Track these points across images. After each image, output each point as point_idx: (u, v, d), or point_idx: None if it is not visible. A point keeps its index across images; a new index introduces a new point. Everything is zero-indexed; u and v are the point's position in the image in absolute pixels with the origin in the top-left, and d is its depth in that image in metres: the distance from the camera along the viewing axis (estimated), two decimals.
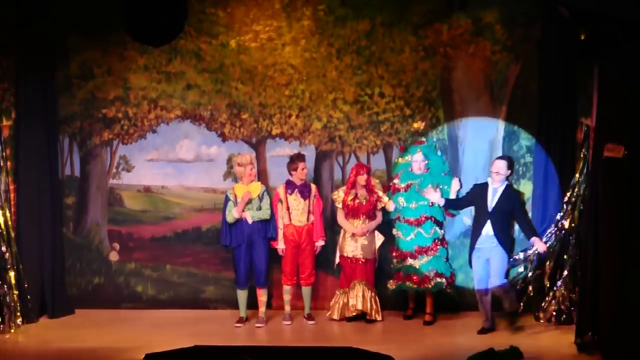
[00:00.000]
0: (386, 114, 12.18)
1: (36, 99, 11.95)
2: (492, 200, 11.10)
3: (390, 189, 11.83)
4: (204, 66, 12.38)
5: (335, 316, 11.80)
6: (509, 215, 11.15)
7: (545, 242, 11.14)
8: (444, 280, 11.53)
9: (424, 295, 11.68)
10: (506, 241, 11.13)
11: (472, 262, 11.23)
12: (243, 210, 11.51)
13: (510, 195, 11.12)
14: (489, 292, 11.11)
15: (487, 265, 11.13)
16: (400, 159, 11.82)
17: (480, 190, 11.24)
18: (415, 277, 11.56)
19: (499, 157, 11.28)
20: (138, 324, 11.76)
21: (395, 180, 11.77)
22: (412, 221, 11.62)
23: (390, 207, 11.69)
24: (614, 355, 9.38)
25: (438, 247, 11.57)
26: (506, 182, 11.17)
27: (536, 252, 11.06)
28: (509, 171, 11.19)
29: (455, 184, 11.54)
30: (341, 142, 12.28)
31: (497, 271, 11.06)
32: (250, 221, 11.54)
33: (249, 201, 11.51)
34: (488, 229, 11.06)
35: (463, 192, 11.59)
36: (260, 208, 11.58)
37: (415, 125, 11.87)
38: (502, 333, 10.99)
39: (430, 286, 11.53)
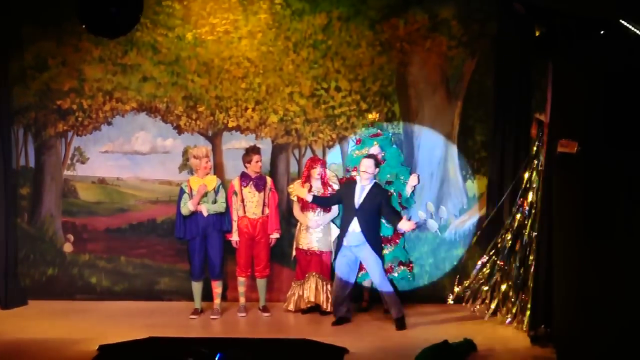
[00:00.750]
0: (342, 108, 12.24)
1: None
2: (359, 198, 11.14)
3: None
4: (160, 58, 12.37)
5: (291, 307, 11.84)
6: (376, 212, 11.18)
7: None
8: (407, 268, 11.61)
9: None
10: (374, 240, 11.16)
11: (337, 260, 11.27)
12: (198, 203, 11.51)
13: (377, 192, 11.19)
14: (348, 288, 11.24)
15: (352, 265, 11.21)
16: (357, 152, 11.84)
17: (348, 188, 11.31)
18: None
19: (366, 156, 11.32)
20: (92, 316, 11.71)
21: (354, 173, 11.80)
22: None
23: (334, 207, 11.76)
24: (567, 348, 9.47)
25: (399, 237, 11.63)
26: (374, 181, 11.25)
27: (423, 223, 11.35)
28: (377, 169, 11.26)
29: (413, 179, 11.56)
30: (297, 135, 12.31)
31: (375, 275, 11.14)
32: (205, 214, 11.54)
33: (205, 194, 11.51)
34: (355, 226, 11.10)
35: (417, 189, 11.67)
36: (215, 201, 11.57)
37: (370, 116, 11.90)
38: (455, 325, 11.07)
39: (396, 275, 11.58)
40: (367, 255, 11.09)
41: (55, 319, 11.54)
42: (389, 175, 11.62)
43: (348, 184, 11.36)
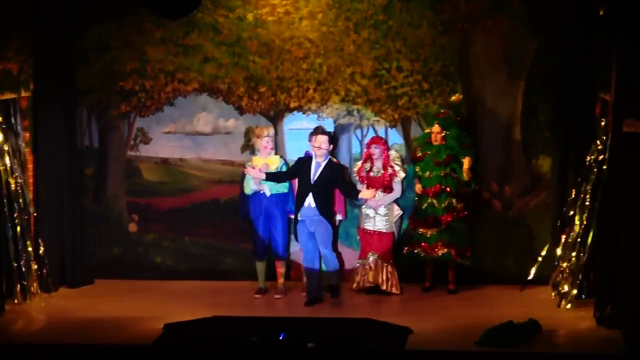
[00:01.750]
0: (404, 88, 12.19)
1: (53, 71, 11.98)
2: (314, 174, 11.25)
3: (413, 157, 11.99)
4: (221, 39, 12.39)
5: (355, 287, 11.88)
6: (331, 188, 11.37)
7: None
8: (452, 251, 11.60)
9: (444, 267, 11.78)
10: (329, 213, 11.35)
11: (298, 234, 11.40)
12: (261, 183, 11.56)
13: (332, 168, 11.32)
14: (316, 267, 11.39)
15: (312, 238, 11.33)
16: (427, 130, 11.85)
17: (304, 164, 11.40)
18: (424, 245, 11.68)
19: (321, 133, 11.37)
20: (157, 295, 11.85)
21: (418, 150, 11.87)
22: (427, 190, 11.70)
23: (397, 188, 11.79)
24: (633, 329, 9.42)
25: (451, 218, 11.63)
26: (328, 157, 11.36)
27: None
28: (331, 146, 11.39)
29: (465, 163, 11.56)
30: (359, 115, 12.30)
31: (321, 239, 11.28)
32: (267, 193, 11.60)
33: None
34: (310, 200, 11.21)
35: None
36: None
37: (453, 98, 11.87)
38: (520, 305, 11.02)
39: (437, 255, 11.63)
40: (319, 227, 11.25)
41: (121, 297, 11.70)
42: (444, 156, 11.64)
43: (303, 160, 11.47)
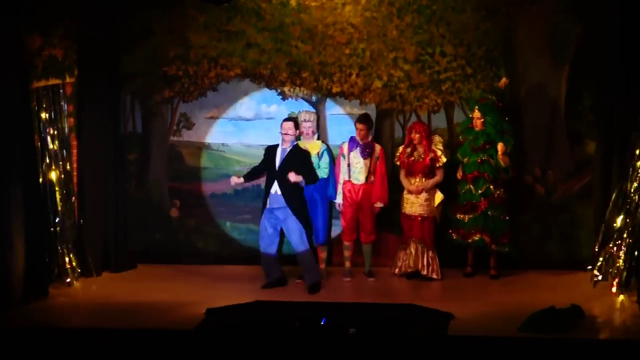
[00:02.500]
0: (447, 73, 12.14)
1: (97, 56, 12.01)
2: (279, 160, 11.28)
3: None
4: (264, 25, 12.39)
5: (397, 272, 11.87)
6: (297, 172, 11.30)
7: None
8: (486, 238, 11.55)
9: (485, 252, 11.73)
10: (294, 202, 11.27)
11: (262, 221, 11.43)
12: None
13: (297, 153, 11.34)
14: (272, 253, 11.46)
15: (274, 226, 11.39)
16: (470, 114, 11.82)
17: (270, 152, 11.43)
18: (461, 231, 11.69)
19: (285, 119, 11.45)
20: (199, 279, 11.88)
21: (460, 135, 11.86)
22: (465, 176, 11.68)
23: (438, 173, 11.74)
24: None
25: (487, 204, 11.57)
26: (294, 142, 11.37)
27: None
28: (297, 131, 11.40)
29: (500, 149, 11.50)
30: (402, 100, 12.25)
31: (292, 237, 11.29)
32: None
33: None
34: (276, 188, 11.24)
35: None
36: (318, 166, 11.61)
37: (499, 83, 11.78)
38: (562, 291, 10.95)
39: (471, 241, 11.63)
40: (286, 217, 11.28)
41: (163, 282, 11.75)
42: (480, 142, 11.57)
43: (270, 148, 11.50)
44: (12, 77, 10.65)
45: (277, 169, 11.26)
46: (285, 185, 11.19)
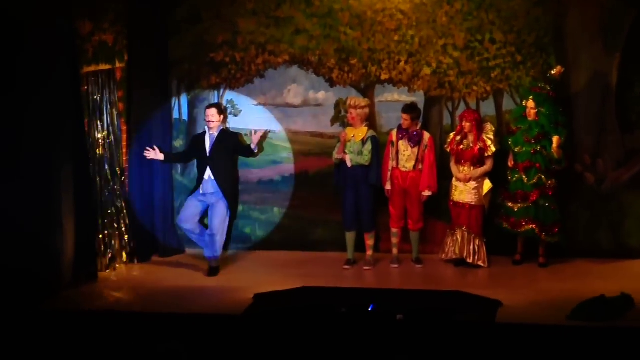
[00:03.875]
0: (497, 60, 12.03)
1: (147, 42, 12.11)
2: (209, 146, 11.52)
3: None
4: (313, 11, 12.33)
5: (444, 257, 11.87)
6: (228, 158, 11.70)
7: None
8: (536, 228, 11.47)
9: (534, 240, 11.65)
10: (226, 187, 11.55)
11: (188, 199, 11.68)
12: (345, 153, 11.56)
13: (225, 137, 11.64)
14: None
15: (200, 208, 11.65)
16: (523, 103, 11.74)
17: (198, 140, 11.72)
18: (512, 220, 11.60)
19: (208, 106, 11.72)
20: (247, 265, 11.97)
21: (512, 123, 11.76)
22: (518, 165, 11.59)
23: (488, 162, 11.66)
24: None
25: (537, 195, 11.49)
26: (221, 127, 11.61)
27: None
28: (221, 116, 11.64)
29: (555, 141, 11.41)
30: (451, 88, 12.17)
31: (213, 222, 11.58)
32: (349, 164, 11.59)
33: (347, 144, 11.58)
34: (209, 173, 11.50)
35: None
36: (361, 153, 11.59)
37: (553, 71, 11.67)
38: (612, 280, 10.83)
39: (520, 231, 11.56)
40: (215, 202, 11.57)
41: None
42: (534, 133, 11.48)
43: (197, 136, 11.85)
44: (63, 62, 10.74)
45: (208, 155, 11.54)
46: (217, 170, 11.51)
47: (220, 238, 11.62)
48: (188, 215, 11.63)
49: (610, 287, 10.10)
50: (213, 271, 11.54)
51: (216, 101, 12.40)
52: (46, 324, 9.55)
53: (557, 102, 11.63)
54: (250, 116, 12.65)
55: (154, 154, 11.67)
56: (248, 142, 11.96)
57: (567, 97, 11.88)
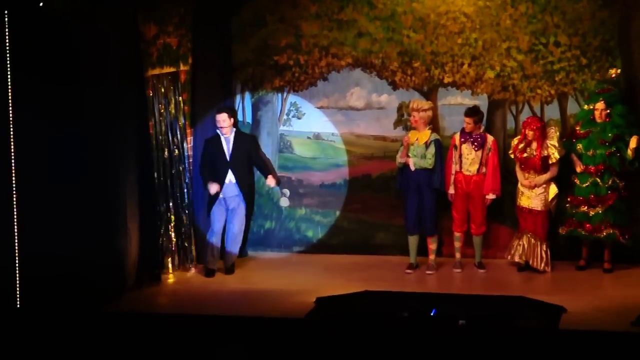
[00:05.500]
0: (561, 63, 11.94)
1: (211, 45, 12.19)
2: (227, 150, 11.40)
3: (570, 134, 11.70)
4: (376, 14, 12.33)
5: (509, 258, 11.77)
6: (247, 161, 11.54)
7: None
8: (616, 231, 11.35)
9: (598, 245, 11.54)
10: (247, 190, 11.52)
11: (212, 210, 11.53)
12: (408, 156, 11.54)
13: (242, 139, 11.56)
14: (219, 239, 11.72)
15: (225, 215, 11.61)
16: (586, 107, 11.60)
17: (213, 144, 11.53)
18: (588, 226, 11.46)
19: (218, 111, 11.54)
20: (309, 268, 11.96)
21: (577, 127, 11.60)
22: (589, 169, 11.46)
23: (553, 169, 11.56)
24: None
25: (614, 198, 11.37)
26: (234, 130, 11.49)
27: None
28: (232, 119, 11.46)
29: (632, 142, 11.25)
30: (514, 91, 12.10)
31: (237, 220, 11.63)
32: (412, 168, 11.55)
33: (410, 147, 11.55)
34: (230, 177, 11.41)
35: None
36: (424, 156, 11.56)
37: (611, 71, 11.57)
38: None
39: (602, 236, 11.41)
40: (237, 205, 11.59)
41: (273, 271, 11.89)
42: (610, 135, 11.34)
43: (210, 141, 11.63)
44: (128, 65, 10.84)
45: (229, 159, 11.46)
46: (239, 174, 11.48)
47: (240, 239, 11.71)
48: (219, 229, 11.66)
49: None
50: (229, 270, 11.67)
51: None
52: (110, 326, 9.62)
53: (625, 102, 11.53)
54: (313, 119, 12.72)
55: (214, 188, 11.49)
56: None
57: (634, 100, 11.74)
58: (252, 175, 11.77)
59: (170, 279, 11.54)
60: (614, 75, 11.57)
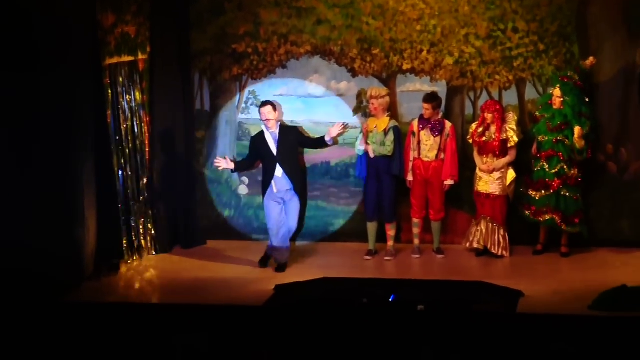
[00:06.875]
0: (519, 49, 11.96)
1: (170, 33, 12.16)
2: (274, 145, 11.30)
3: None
4: (335, 1, 12.28)
5: (468, 247, 11.83)
6: (294, 152, 11.45)
7: None
8: (556, 217, 11.43)
9: (556, 230, 11.60)
10: (298, 182, 11.43)
11: (266, 205, 11.43)
12: (367, 144, 11.57)
13: (287, 131, 11.43)
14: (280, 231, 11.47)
15: (280, 207, 11.43)
16: (551, 90, 11.68)
17: (259, 140, 11.43)
18: (533, 208, 11.57)
19: (262, 104, 11.42)
20: None
21: (536, 112, 11.74)
22: (540, 153, 11.56)
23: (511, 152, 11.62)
24: None
25: (560, 184, 11.43)
26: (279, 124, 11.37)
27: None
28: (277, 113, 11.35)
29: (576, 132, 11.33)
30: (473, 77, 12.11)
31: (291, 215, 11.44)
32: (371, 155, 11.58)
33: (369, 135, 11.59)
34: (281, 171, 11.26)
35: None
36: (383, 143, 11.57)
37: (587, 62, 11.59)
38: (634, 269, 10.80)
39: (541, 220, 11.52)
40: (291, 198, 11.42)
41: (232, 259, 11.85)
42: (559, 122, 11.41)
43: (256, 137, 11.52)
44: (86, 54, 10.77)
45: (276, 154, 11.31)
46: (288, 167, 11.33)
47: (291, 234, 11.61)
48: (276, 221, 11.47)
49: (632, 277, 10.10)
50: (281, 267, 11.42)
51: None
52: (68, 316, 9.57)
53: (583, 93, 11.55)
54: None
55: (225, 164, 11.41)
56: (312, 134, 11.99)
57: (590, 86, 11.76)
58: (300, 167, 11.68)
59: (129, 267, 11.47)
60: (589, 64, 11.58)
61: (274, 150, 11.32)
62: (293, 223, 11.50)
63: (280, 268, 11.36)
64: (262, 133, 11.45)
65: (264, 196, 11.46)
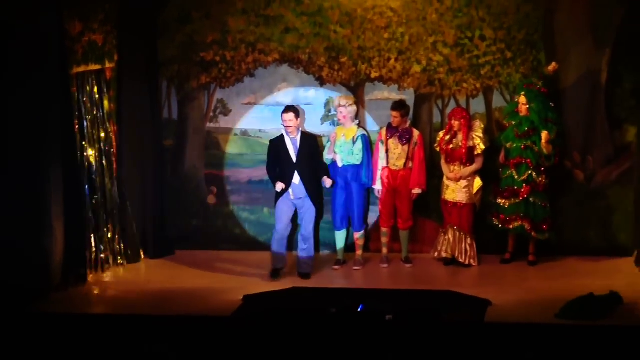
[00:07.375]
0: (487, 57, 12.01)
1: (137, 42, 12.12)
2: (294, 151, 11.30)
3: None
4: (303, 9, 12.30)
5: (436, 256, 11.87)
6: (311, 160, 11.40)
7: None
8: (526, 224, 11.46)
9: (524, 238, 11.65)
10: (313, 191, 11.36)
11: (277, 207, 11.44)
12: (335, 152, 11.57)
13: (308, 140, 11.45)
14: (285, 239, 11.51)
15: (292, 210, 11.44)
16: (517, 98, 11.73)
17: (278, 145, 11.42)
18: (502, 217, 11.60)
19: (285, 110, 11.39)
20: (236, 266, 11.90)
21: (504, 120, 11.81)
22: (507, 161, 11.62)
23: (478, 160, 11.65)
24: None
25: (529, 191, 11.45)
26: (300, 130, 11.40)
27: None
28: (299, 120, 11.35)
29: (543, 137, 11.38)
30: (440, 85, 12.15)
31: (306, 223, 11.45)
32: (339, 164, 11.60)
33: (337, 143, 11.60)
34: (296, 179, 11.26)
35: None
36: (352, 152, 11.57)
37: (549, 67, 11.63)
38: (601, 277, 10.86)
39: (510, 227, 11.55)
40: (307, 206, 11.40)
41: (200, 269, 11.81)
42: (527, 129, 11.45)
43: (275, 142, 11.49)
44: (53, 62, 10.70)
45: (295, 160, 11.27)
46: (306, 175, 11.29)
47: (312, 241, 11.56)
48: (285, 225, 11.47)
49: (599, 286, 10.10)
50: (306, 276, 11.39)
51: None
52: (35, 326, 9.50)
53: (549, 99, 11.60)
54: (240, 115, 12.65)
55: (281, 185, 11.33)
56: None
57: (557, 94, 11.83)
58: (316, 176, 11.54)
59: (97, 277, 11.40)
60: (550, 69, 11.63)
61: (294, 157, 11.31)
62: (308, 231, 11.45)
63: (306, 276, 11.36)
64: (282, 137, 11.44)
65: (276, 200, 11.44)
